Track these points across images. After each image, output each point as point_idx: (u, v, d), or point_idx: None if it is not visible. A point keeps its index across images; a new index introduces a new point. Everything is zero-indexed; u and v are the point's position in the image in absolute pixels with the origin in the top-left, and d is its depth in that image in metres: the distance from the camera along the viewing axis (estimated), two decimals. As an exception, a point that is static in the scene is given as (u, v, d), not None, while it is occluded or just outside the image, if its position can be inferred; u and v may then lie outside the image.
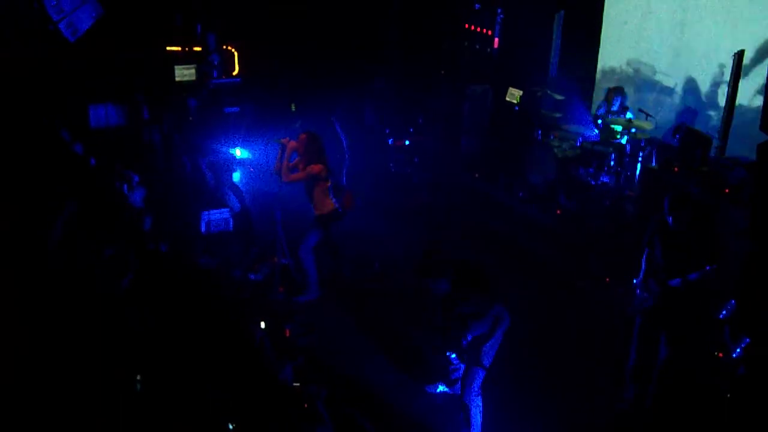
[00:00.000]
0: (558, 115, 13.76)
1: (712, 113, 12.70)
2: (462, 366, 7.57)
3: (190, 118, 11.78)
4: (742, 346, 6.63)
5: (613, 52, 14.51)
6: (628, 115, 12.55)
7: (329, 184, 9.54)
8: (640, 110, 12.66)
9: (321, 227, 9.65)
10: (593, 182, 12.24)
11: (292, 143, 9.48)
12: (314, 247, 9.70)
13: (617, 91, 12.80)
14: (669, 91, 13.49)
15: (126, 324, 7.34)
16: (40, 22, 10.12)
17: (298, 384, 6.87)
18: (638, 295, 7.59)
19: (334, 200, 9.56)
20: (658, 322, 7.51)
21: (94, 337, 7.18)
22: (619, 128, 12.35)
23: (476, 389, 7.03)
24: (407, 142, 14.33)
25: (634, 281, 7.67)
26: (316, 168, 9.38)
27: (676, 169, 10.69)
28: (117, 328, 7.27)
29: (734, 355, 6.66)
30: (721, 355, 6.91)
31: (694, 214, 7.36)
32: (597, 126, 12.80)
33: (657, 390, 7.55)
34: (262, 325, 7.93)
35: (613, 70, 14.49)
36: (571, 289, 10.08)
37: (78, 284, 7.55)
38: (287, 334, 8.71)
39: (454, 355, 7.71)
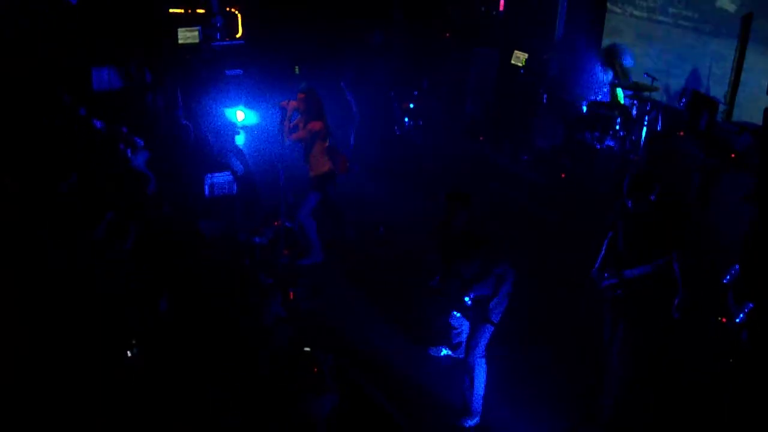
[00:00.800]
0: (562, 80, 13.66)
1: (719, 78, 12.58)
2: (465, 328, 7.56)
3: (194, 81, 11.75)
4: (746, 311, 6.64)
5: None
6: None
7: (327, 144, 9.54)
8: (646, 74, 12.56)
9: (318, 189, 9.66)
10: (598, 146, 12.19)
11: (293, 103, 9.49)
12: (314, 210, 9.72)
13: (614, 52, 12.66)
14: (675, 54, 13.37)
15: (126, 323, 7.36)
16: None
17: (308, 349, 6.89)
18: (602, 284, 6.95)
19: (329, 161, 9.58)
20: (620, 315, 6.90)
21: (94, 334, 7.22)
22: (620, 94, 12.28)
23: (481, 350, 7.00)
24: (412, 106, 14.25)
25: (593, 270, 7.02)
26: (316, 125, 9.39)
27: (681, 133, 10.64)
28: (117, 326, 7.30)
29: (737, 320, 6.67)
30: (724, 320, 6.91)
31: (662, 198, 6.72)
32: (613, 91, 12.68)
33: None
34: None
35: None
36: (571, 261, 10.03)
37: (78, 279, 7.58)
38: (291, 297, 8.74)
39: (458, 315, 7.67)
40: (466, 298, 6.89)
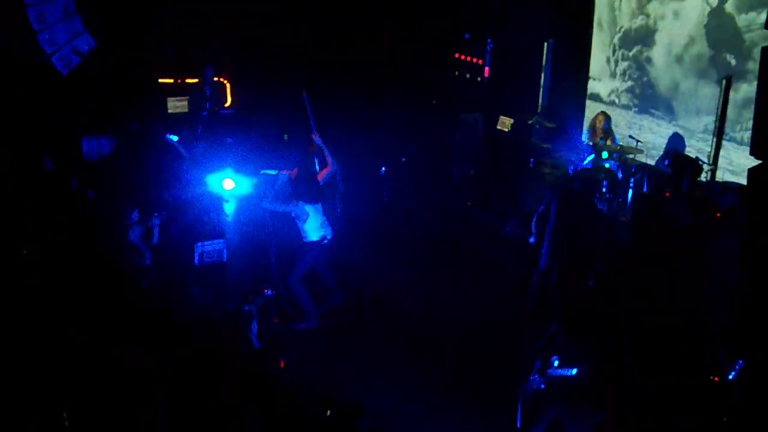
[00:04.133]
0: (547, 145, 13.82)
1: (704, 138, 12.77)
2: None
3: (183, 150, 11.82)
4: (737, 369, 6.63)
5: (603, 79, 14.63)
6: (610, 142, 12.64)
7: (312, 217, 9.67)
8: (630, 137, 12.73)
9: (310, 255, 9.72)
10: (585, 209, 12.25)
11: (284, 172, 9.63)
12: (303, 277, 9.76)
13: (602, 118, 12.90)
14: (659, 116, 13.56)
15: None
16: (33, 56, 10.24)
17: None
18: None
19: (320, 231, 9.69)
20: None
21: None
22: (605, 155, 12.40)
23: None
24: (399, 171, 14.36)
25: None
26: (326, 170, 9.59)
27: (667, 194, 10.74)
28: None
29: (729, 378, 6.66)
30: (716, 378, 6.90)
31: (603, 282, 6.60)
32: (596, 152, 12.82)
33: None
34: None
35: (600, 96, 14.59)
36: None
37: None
38: (282, 365, 8.68)
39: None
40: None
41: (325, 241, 9.81)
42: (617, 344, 6.63)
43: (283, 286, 9.83)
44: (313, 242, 9.72)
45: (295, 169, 9.77)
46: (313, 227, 9.70)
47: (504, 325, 9.69)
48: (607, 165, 12.39)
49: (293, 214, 9.63)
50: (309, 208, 9.64)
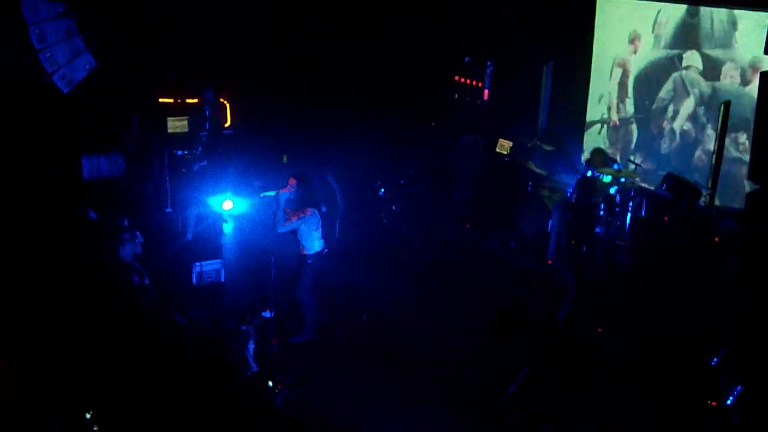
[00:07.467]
0: (546, 168, 13.85)
1: (702, 162, 12.81)
2: None
3: (183, 170, 11.84)
4: (735, 394, 6.62)
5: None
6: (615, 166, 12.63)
7: (319, 226, 9.71)
8: (629, 160, 12.75)
9: (311, 267, 9.78)
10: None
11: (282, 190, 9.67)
12: (310, 288, 9.80)
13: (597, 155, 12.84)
14: (659, 139, 13.61)
15: None
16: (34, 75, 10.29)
17: None
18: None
19: (321, 241, 9.74)
20: None
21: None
22: (608, 179, 12.40)
23: None
24: (398, 193, 14.36)
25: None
26: (308, 212, 9.55)
27: (665, 218, 10.76)
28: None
29: (728, 403, 6.65)
30: (714, 403, 6.88)
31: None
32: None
33: None
34: None
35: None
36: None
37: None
38: (279, 387, 8.64)
39: None
40: None
41: (326, 251, 9.90)
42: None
43: (289, 300, 9.87)
44: (317, 253, 9.79)
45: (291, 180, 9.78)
46: (315, 238, 9.75)
47: (502, 350, 9.66)
48: (606, 180, 12.40)
49: (303, 226, 9.67)
50: (314, 219, 9.69)
